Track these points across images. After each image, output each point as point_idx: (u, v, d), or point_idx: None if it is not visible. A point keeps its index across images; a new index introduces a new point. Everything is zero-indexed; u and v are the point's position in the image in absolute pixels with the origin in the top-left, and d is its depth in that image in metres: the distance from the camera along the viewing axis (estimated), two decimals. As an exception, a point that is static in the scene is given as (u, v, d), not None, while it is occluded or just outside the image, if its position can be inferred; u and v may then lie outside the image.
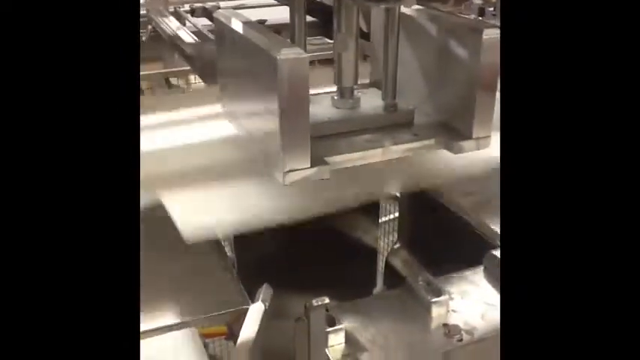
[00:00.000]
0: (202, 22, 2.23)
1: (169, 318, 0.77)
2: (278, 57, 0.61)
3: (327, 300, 0.66)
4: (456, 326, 0.76)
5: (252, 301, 0.76)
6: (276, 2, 2.03)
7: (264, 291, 0.72)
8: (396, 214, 1.42)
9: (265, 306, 0.70)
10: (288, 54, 0.62)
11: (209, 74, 1.54)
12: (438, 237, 1.14)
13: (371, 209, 1.30)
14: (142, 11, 2.09)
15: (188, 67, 1.87)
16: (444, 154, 0.78)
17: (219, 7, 2.02)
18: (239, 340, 0.68)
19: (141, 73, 2.14)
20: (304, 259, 1.22)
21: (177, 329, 0.74)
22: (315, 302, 0.65)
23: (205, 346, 1.51)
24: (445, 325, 0.76)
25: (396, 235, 1.41)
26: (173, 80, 2.54)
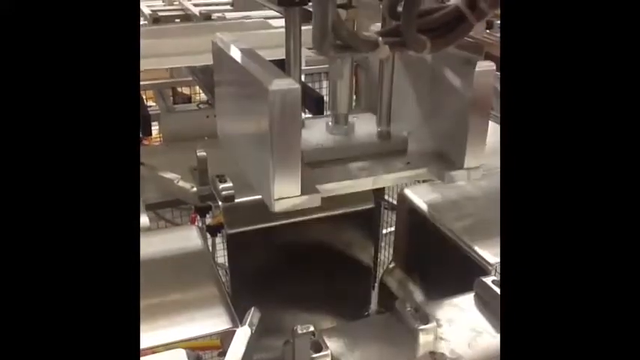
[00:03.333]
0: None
1: (157, 338, 0.78)
2: (270, 88, 0.62)
3: (311, 328, 0.66)
4: (442, 354, 0.76)
5: (242, 322, 0.77)
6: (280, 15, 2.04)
7: (252, 314, 0.73)
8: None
9: (252, 330, 0.71)
10: (280, 85, 0.63)
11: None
12: (432, 259, 1.14)
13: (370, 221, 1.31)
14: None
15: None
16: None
17: (224, 18, 2.03)
18: (225, 363, 0.69)
19: (150, 82, 2.16)
20: (300, 274, 1.23)
21: (164, 350, 0.75)
22: (299, 330, 0.65)
23: (199, 358, 1.52)
24: (432, 352, 0.76)
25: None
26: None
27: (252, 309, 0.74)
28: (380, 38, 0.68)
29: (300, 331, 0.65)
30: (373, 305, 1.35)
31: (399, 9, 0.69)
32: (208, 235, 1.24)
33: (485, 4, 0.63)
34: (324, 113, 1.31)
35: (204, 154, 1.15)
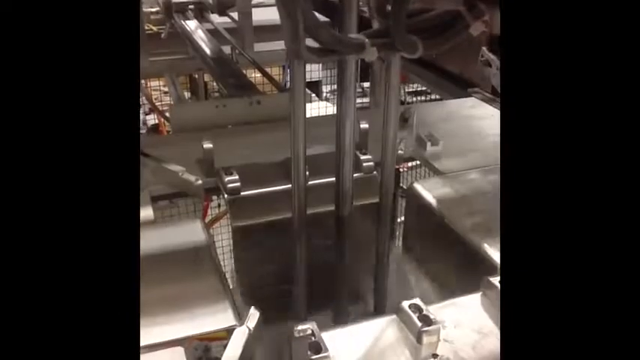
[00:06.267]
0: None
1: (157, 335, 0.77)
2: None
3: (310, 328, 0.65)
4: (445, 357, 0.74)
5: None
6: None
7: (251, 314, 0.71)
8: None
9: (250, 330, 0.70)
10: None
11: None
12: (440, 255, 1.12)
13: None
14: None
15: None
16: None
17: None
18: (221, 362, 0.68)
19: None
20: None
21: (163, 348, 0.74)
22: (296, 332, 0.64)
23: (207, 349, 1.53)
24: (435, 355, 0.75)
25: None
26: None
27: (252, 309, 0.72)
28: (367, 40, 0.64)
29: (297, 334, 0.64)
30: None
31: (389, 8, 0.65)
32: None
33: (484, 4, 0.59)
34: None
35: (211, 145, 1.14)
